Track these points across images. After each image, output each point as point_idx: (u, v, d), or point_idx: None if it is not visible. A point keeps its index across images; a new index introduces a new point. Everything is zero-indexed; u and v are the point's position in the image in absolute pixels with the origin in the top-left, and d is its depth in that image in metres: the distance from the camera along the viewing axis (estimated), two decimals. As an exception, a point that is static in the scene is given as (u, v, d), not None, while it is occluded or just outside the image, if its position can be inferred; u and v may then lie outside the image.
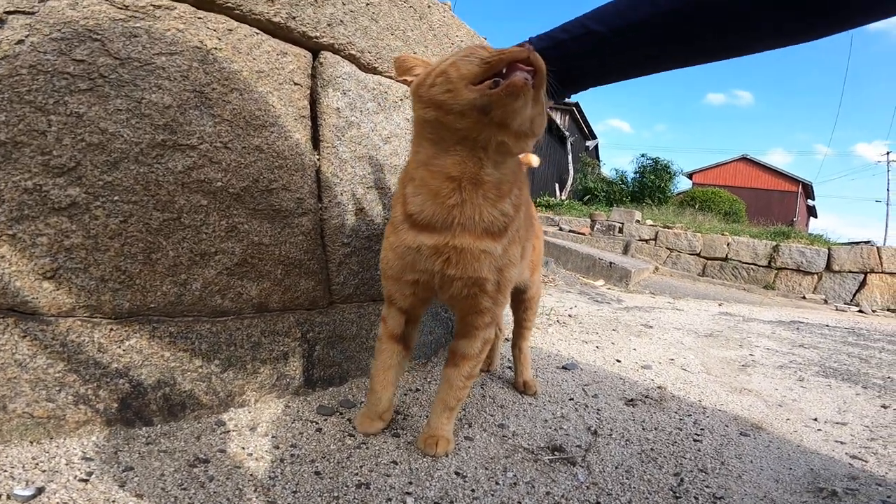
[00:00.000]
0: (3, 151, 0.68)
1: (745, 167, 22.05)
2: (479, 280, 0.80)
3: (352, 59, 1.10)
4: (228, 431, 0.86)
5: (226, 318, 0.91)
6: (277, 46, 0.97)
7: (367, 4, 1.13)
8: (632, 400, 1.32)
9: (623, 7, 0.83)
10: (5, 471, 0.66)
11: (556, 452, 0.96)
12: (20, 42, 0.67)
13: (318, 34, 1.03)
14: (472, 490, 0.81)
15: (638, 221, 8.00)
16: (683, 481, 0.91)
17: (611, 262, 4.92)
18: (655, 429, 1.14)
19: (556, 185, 14.29)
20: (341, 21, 1.07)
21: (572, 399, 1.26)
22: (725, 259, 6.83)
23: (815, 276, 6.25)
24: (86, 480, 0.68)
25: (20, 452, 0.70)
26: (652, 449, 1.03)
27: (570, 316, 2.49)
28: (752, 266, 6.63)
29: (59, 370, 0.74)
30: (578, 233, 7.42)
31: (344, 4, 1.07)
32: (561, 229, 7.82)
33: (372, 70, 1.16)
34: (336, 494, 0.74)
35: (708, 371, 1.76)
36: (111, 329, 0.78)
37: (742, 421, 1.27)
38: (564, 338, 1.98)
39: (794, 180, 21.34)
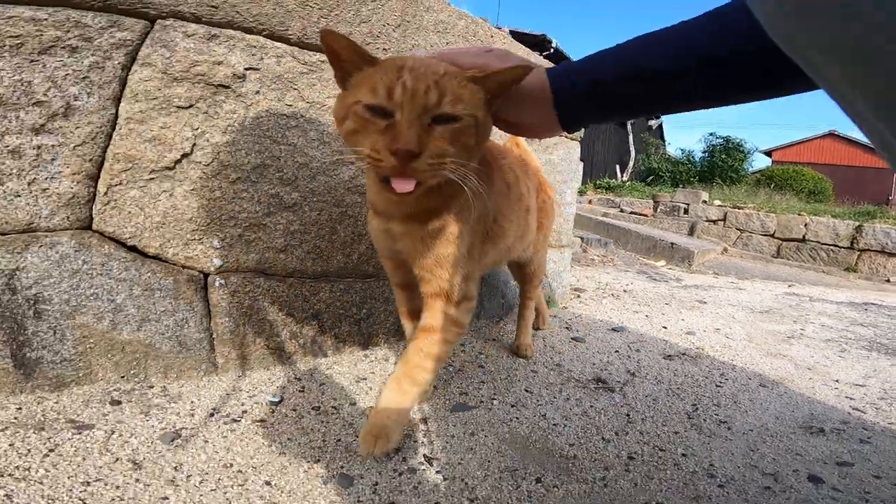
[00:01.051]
0: (259, 170, 1.07)
1: (833, 143, 20.40)
2: (411, 252, 0.88)
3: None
4: (372, 361, 1.25)
5: (370, 279, 1.29)
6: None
7: (448, 44, 1.43)
8: (670, 356, 1.59)
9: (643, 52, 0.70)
10: (257, 386, 1.06)
11: (599, 383, 1.27)
12: (257, 92, 1.06)
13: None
14: (537, 400, 1.15)
15: (705, 202, 7.85)
16: (697, 409, 1.20)
17: (672, 243, 5.00)
18: (685, 375, 1.42)
19: (617, 167, 14.04)
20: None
21: (617, 352, 1.56)
22: (802, 240, 6.61)
23: (901, 259, 5.95)
24: (301, 391, 1.07)
25: (260, 375, 1.11)
26: (678, 388, 1.32)
27: (624, 291, 2.73)
28: (833, 247, 6.39)
29: (283, 314, 1.14)
30: (640, 214, 7.42)
31: (432, 46, 1.39)
32: (622, 211, 7.84)
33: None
34: (447, 399, 1.11)
35: (750, 339, 1.97)
36: (311, 286, 1.18)
37: (765, 377, 1.51)
38: (617, 308, 2.25)
39: (891, 155, 19.43)
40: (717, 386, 1.37)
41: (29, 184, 0.88)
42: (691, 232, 6.80)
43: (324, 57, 1.12)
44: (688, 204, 7.55)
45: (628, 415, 1.13)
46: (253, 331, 1.10)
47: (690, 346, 1.75)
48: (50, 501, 0.68)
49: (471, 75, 0.71)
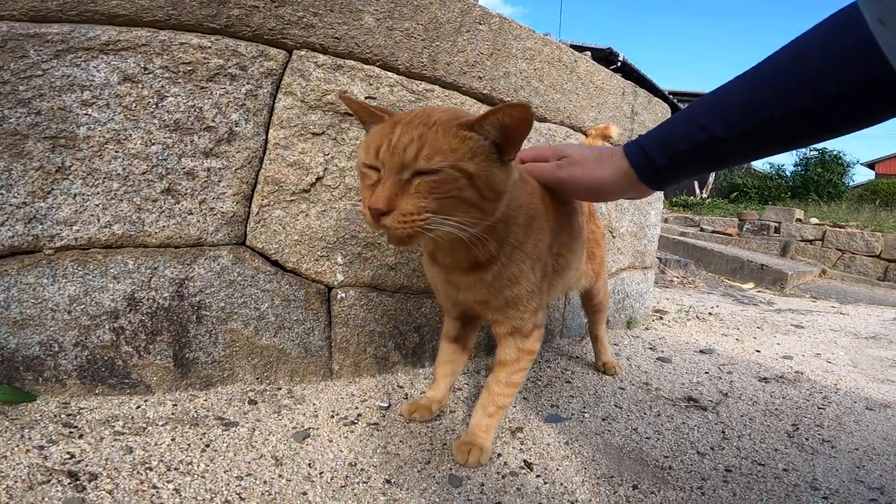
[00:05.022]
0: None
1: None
2: (482, 301, 0.91)
3: (530, 115, 1.54)
4: (465, 374, 1.33)
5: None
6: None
7: (535, 70, 1.54)
8: (765, 378, 1.55)
9: (753, 101, 0.63)
10: (367, 392, 1.18)
11: (690, 401, 1.28)
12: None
13: (509, 98, 1.47)
14: (627, 415, 1.18)
15: (799, 220, 7.32)
16: (798, 429, 1.17)
17: (763, 265, 4.72)
18: (783, 398, 1.38)
19: (696, 183, 13.38)
20: (521, 86, 1.51)
21: (707, 373, 1.55)
22: (914, 262, 5.98)
23: None
24: (405, 398, 1.17)
25: (368, 381, 1.23)
26: (776, 409, 1.29)
27: (710, 314, 2.64)
28: (952, 270, 5.72)
29: (390, 326, 1.26)
30: (723, 234, 7.03)
31: (521, 72, 1.50)
32: (702, 230, 7.48)
33: (543, 119, 1.58)
34: (539, 410, 1.18)
35: (855, 365, 1.86)
36: (415, 301, 1.29)
37: (872, 401, 1.43)
38: (703, 330, 2.19)
39: None
40: (819, 408, 1.33)
41: (200, 203, 1.04)
42: (784, 252, 6.36)
43: (429, 86, 1.26)
44: (779, 222, 7.08)
45: (723, 432, 1.13)
46: (365, 340, 1.23)
47: (788, 369, 1.68)
48: (212, 495, 0.74)
49: (464, 121, 0.71)
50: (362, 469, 0.87)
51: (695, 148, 0.67)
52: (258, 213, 1.09)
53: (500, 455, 0.96)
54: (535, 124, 1.55)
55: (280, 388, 1.13)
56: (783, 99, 0.59)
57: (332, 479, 0.83)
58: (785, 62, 0.60)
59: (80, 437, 0.85)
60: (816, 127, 0.59)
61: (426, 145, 0.68)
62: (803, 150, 12.92)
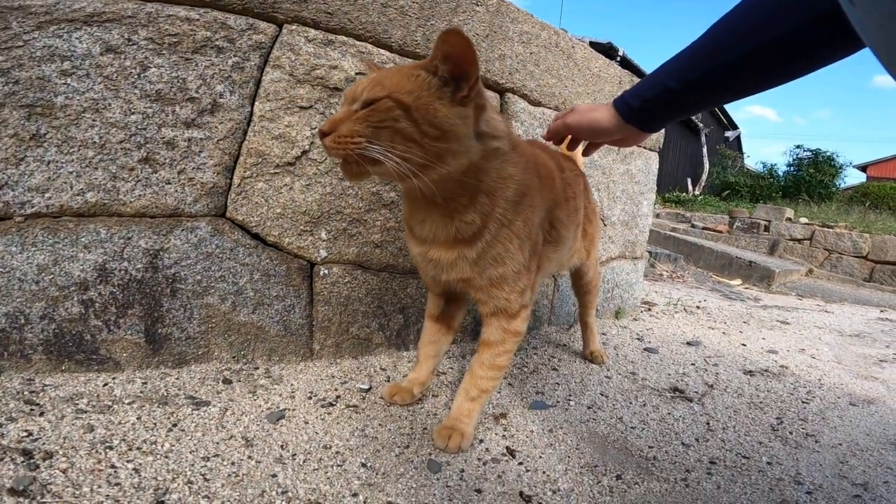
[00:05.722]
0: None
1: (942, 156, 18.41)
2: (465, 279, 0.87)
3: (524, 97, 1.50)
4: (450, 357, 1.31)
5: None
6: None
7: (531, 53, 1.50)
8: (750, 371, 1.54)
9: (701, 56, 0.76)
10: (347, 374, 1.15)
11: (676, 392, 1.27)
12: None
13: (503, 81, 1.43)
14: (613, 405, 1.16)
15: (789, 219, 7.36)
16: (783, 423, 1.16)
17: (751, 262, 4.74)
18: (768, 391, 1.38)
19: (689, 180, 13.43)
20: (517, 69, 1.47)
21: (693, 364, 1.54)
22: (900, 263, 6.04)
23: None
24: (387, 381, 1.14)
25: (350, 363, 1.20)
26: (761, 402, 1.28)
27: (698, 307, 2.64)
28: (937, 273, 5.79)
29: (374, 306, 1.23)
30: (714, 230, 7.07)
31: (517, 55, 1.46)
32: (693, 226, 7.51)
33: (537, 104, 1.54)
34: (524, 396, 1.15)
35: (839, 361, 1.86)
36: (401, 281, 1.26)
37: (855, 396, 1.43)
38: (690, 323, 2.19)
39: None
40: (803, 402, 1.32)
41: (178, 173, 1.00)
42: (772, 251, 6.40)
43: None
44: (769, 221, 7.11)
45: (708, 423, 1.12)
46: (347, 320, 1.20)
47: (772, 364, 1.68)
48: (174, 475, 0.72)
49: (421, 63, 0.75)
50: (338, 452, 0.85)
51: (657, 96, 0.82)
52: (240, 184, 1.05)
53: (482, 441, 0.94)
54: (530, 109, 1.51)
55: (257, 368, 1.10)
56: (726, 52, 0.71)
57: (304, 461, 0.81)
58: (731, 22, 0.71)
59: (41, 414, 0.81)
60: (753, 71, 0.71)
61: (375, 81, 0.73)
62: (797, 150, 13.02)
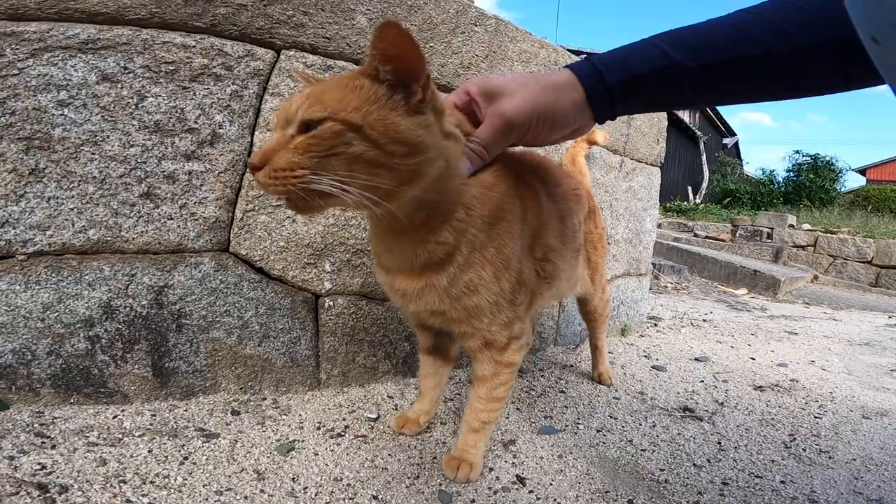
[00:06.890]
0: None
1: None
2: (436, 312, 0.78)
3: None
4: (457, 383, 1.32)
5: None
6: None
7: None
8: (760, 387, 1.53)
9: (725, 39, 0.64)
10: (355, 403, 1.14)
11: (686, 412, 1.25)
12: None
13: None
14: (622, 427, 1.15)
15: (791, 226, 7.35)
16: (795, 439, 1.15)
17: (755, 270, 4.73)
18: (779, 407, 1.36)
19: (689, 189, 13.45)
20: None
21: (702, 381, 1.52)
22: (906, 267, 6.02)
23: None
24: (395, 409, 1.14)
25: (357, 392, 1.19)
26: (772, 418, 1.27)
27: (704, 320, 2.63)
28: (945, 276, 5.76)
29: (380, 335, 1.23)
30: (717, 239, 7.06)
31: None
32: (696, 235, 7.50)
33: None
34: (532, 421, 1.15)
35: (850, 372, 1.84)
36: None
37: (868, 409, 1.41)
38: (697, 337, 2.18)
39: None
40: (815, 417, 1.31)
41: (180, 208, 0.99)
42: (776, 258, 6.38)
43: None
44: (772, 228, 7.11)
45: (719, 443, 1.11)
46: (353, 350, 1.20)
47: (783, 378, 1.67)
48: None
49: (359, 70, 0.63)
50: (348, 484, 0.84)
51: (654, 72, 0.64)
52: (242, 218, 1.06)
53: (491, 469, 0.93)
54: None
55: (265, 399, 1.10)
56: (754, 43, 0.61)
57: (316, 494, 0.80)
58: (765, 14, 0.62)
59: (53, 447, 0.81)
60: (782, 74, 0.62)
61: (311, 98, 0.61)
62: (795, 155, 13.05)
